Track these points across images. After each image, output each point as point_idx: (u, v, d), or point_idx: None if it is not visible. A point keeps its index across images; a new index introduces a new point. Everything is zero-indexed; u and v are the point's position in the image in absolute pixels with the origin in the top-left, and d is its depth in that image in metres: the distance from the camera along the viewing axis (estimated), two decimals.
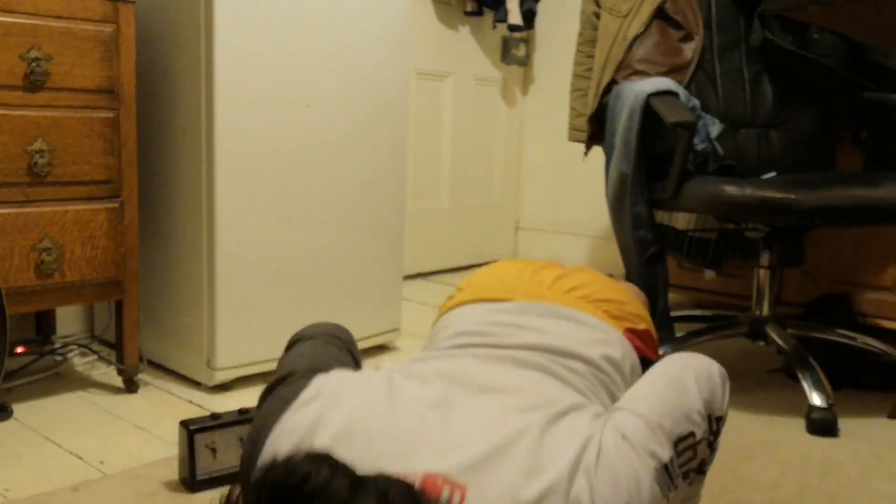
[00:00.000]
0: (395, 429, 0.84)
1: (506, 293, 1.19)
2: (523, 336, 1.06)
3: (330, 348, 1.17)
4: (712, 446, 0.98)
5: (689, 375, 0.97)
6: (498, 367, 0.99)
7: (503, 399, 0.91)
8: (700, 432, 0.93)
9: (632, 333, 1.19)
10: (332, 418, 0.85)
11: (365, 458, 0.78)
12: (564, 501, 0.82)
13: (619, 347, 1.12)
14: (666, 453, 0.89)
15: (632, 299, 1.26)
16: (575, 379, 1.02)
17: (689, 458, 0.92)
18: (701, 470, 1.02)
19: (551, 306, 1.14)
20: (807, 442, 1.59)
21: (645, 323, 1.24)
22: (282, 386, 0.93)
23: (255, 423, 0.90)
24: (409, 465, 0.79)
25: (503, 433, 0.86)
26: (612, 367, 1.08)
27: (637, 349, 1.18)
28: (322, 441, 0.81)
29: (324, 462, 0.70)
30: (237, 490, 0.71)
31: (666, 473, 0.89)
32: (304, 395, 0.88)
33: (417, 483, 0.71)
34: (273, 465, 0.69)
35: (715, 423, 0.97)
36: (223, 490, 0.70)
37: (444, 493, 0.81)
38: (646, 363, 1.18)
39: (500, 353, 1.03)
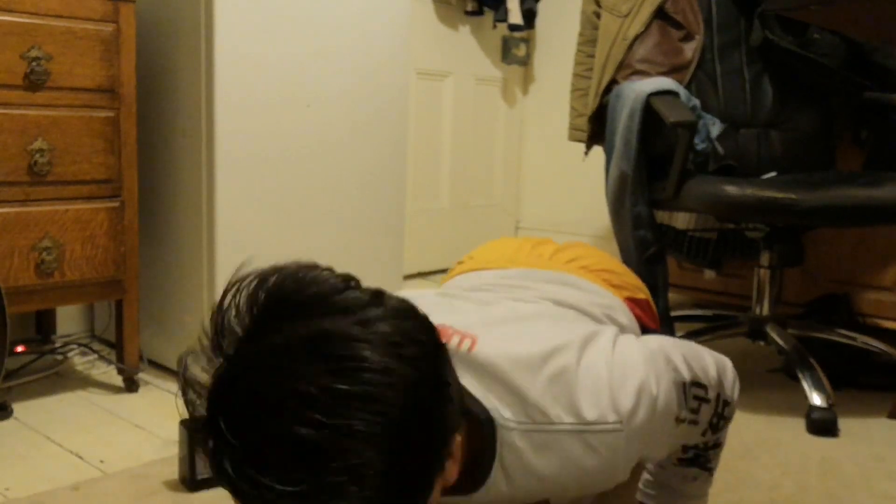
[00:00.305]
0: None
1: (507, 264, 1.19)
2: (528, 293, 1.05)
3: None
4: (716, 430, 0.95)
5: (703, 351, 0.95)
6: (505, 299, 0.99)
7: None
8: (710, 394, 0.90)
9: (632, 302, 1.18)
10: None
11: None
12: (576, 362, 0.80)
13: (621, 313, 1.11)
14: (686, 374, 0.86)
15: (629, 271, 1.26)
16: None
17: (695, 409, 0.88)
18: (707, 467, 1.02)
19: (554, 273, 1.14)
20: (807, 442, 1.59)
21: (643, 293, 1.23)
22: None
23: None
24: None
25: (516, 311, 0.85)
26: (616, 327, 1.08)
27: (637, 318, 1.18)
28: None
29: (317, 266, 0.69)
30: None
31: (683, 391, 0.85)
32: None
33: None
34: (266, 273, 0.67)
35: (723, 405, 0.94)
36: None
37: (454, 339, 0.79)
38: (646, 333, 1.18)
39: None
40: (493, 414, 0.78)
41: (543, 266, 1.17)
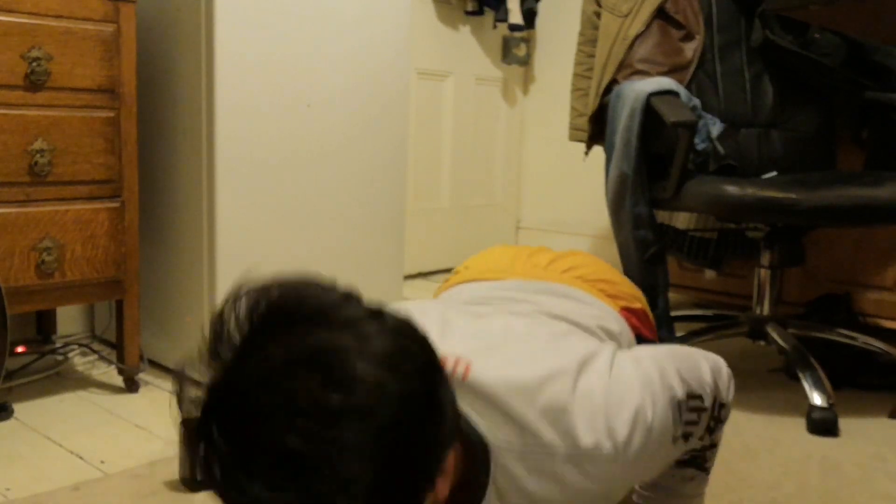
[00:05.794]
0: None
1: (503, 274, 1.19)
2: (523, 307, 1.05)
3: None
4: (712, 432, 0.96)
5: (698, 354, 0.96)
6: (500, 313, 0.99)
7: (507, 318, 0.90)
8: (707, 402, 0.91)
9: (628, 312, 1.18)
10: None
11: None
12: (572, 390, 0.80)
13: (616, 324, 1.11)
14: (680, 391, 0.86)
15: (626, 280, 1.26)
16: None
17: (693, 421, 0.89)
18: (703, 467, 1.02)
19: (549, 284, 1.14)
20: (807, 441, 1.59)
21: (640, 302, 1.23)
22: None
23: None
24: None
25: (511, 331, 0.85)
26: (610, 339, 1.07)
27: (633, 328, 1.18)
28: None
29: (320, 279, 0.69)
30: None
31: (678, 410, 0.86)
32: None
33: None
34: (269, 284, 0.67)
35: (718, 408, 0.95)
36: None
37: (450, 363, 0.79)
38: (642, 342, 1.18)
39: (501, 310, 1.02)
40: (488, 436, 0.79)
41: (539, 276, 1.17)
